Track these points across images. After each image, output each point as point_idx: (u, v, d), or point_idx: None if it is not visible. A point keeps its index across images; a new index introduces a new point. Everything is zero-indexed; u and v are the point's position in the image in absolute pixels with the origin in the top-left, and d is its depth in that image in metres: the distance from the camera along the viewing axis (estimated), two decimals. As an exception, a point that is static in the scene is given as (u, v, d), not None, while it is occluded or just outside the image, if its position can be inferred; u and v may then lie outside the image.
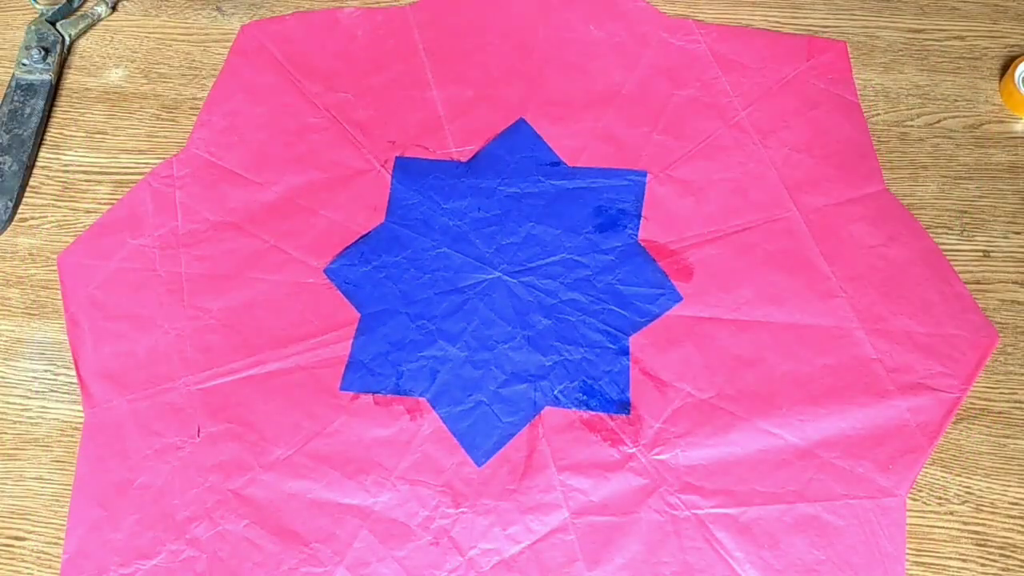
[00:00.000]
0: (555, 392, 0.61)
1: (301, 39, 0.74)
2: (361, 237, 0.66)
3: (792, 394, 0.60)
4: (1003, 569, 0.56)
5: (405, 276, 0.65)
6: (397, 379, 0.62)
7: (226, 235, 0.67)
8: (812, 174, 0.67)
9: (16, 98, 0.72)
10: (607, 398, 0.61)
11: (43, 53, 0.73)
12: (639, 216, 0.66)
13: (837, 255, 0.64)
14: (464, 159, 0.69)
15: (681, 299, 0.63)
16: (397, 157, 0.69)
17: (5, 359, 0.65)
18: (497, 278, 0.65)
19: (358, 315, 0.64)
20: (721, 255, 0.65)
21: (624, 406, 0.60)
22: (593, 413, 0.60)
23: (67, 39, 0.75)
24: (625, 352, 0.62)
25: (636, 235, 0.66)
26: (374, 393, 0.61)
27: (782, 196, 0.66)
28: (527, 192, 0.67)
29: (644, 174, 0.68)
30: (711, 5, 0.75)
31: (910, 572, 0.56)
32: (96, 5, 0.76)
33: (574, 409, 0.60)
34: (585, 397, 0.61)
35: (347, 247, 0.66)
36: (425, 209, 0.67)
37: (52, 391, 0.63)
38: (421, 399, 0.61)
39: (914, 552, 0.57)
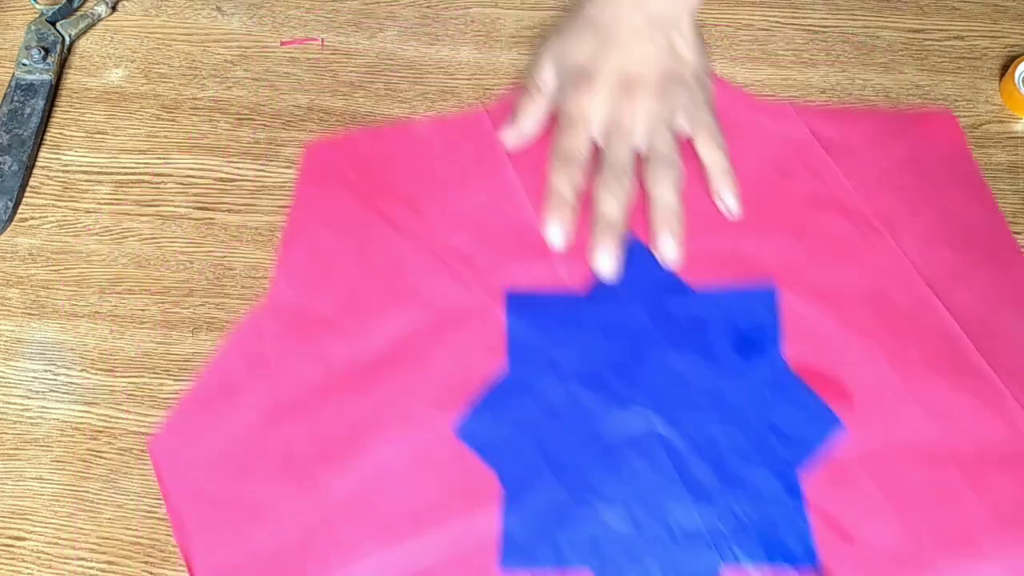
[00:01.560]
0: (731, 549, 0.53)
1: (374, 156, 0.66)
2: (485, 388, 0.58)
3: (997, 533, 0.52)
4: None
5: (543, 431, 0.57)
6: (557, 553, 0.54)
7: (332, 397, 0.58)
8: (953, 267, 0.60)
9: (16, 98, 0.72)
10: (789, 550, 0.53)
11: (43, 53, 0.73)
12: (779, 335, 0.59)
13: (1002, 359, 0.57)
14: (579, 286, 0.61)
15: (844, 428, 0.56)
16: (507, 290, 0.61)
17: (5, 359, 0.65)
18: (643, 423, 0.57)
19: (500, 482, 0.56)
20: (878, 374, 0.57)
21: (809, 557, 0.52)
22: (777, 570, 0.53)
23: (67, 39, 0.75)
24: (798, 495, 0.54)
25: (781, 358, 0.58)
26: (534, 571, 0.54)
27: (927, 297, 0.59)
28: (655, 319, 0.60)
29: (773, 285, 0.60)
30: (711, 5, 0.75)
31: None
32: (96, 5, 0.76)
33: (754, 565, 0.53)
34: (764, 551, 0.53)
35: (472, 401, 0.58)
36: (549, 349, 0.59)
37: (52, 391, 0.63)
38: (588, 574, 0.54)
39: None
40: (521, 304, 0.61)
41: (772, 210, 0.63)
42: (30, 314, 0.66)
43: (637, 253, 0.62)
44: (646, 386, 0.58)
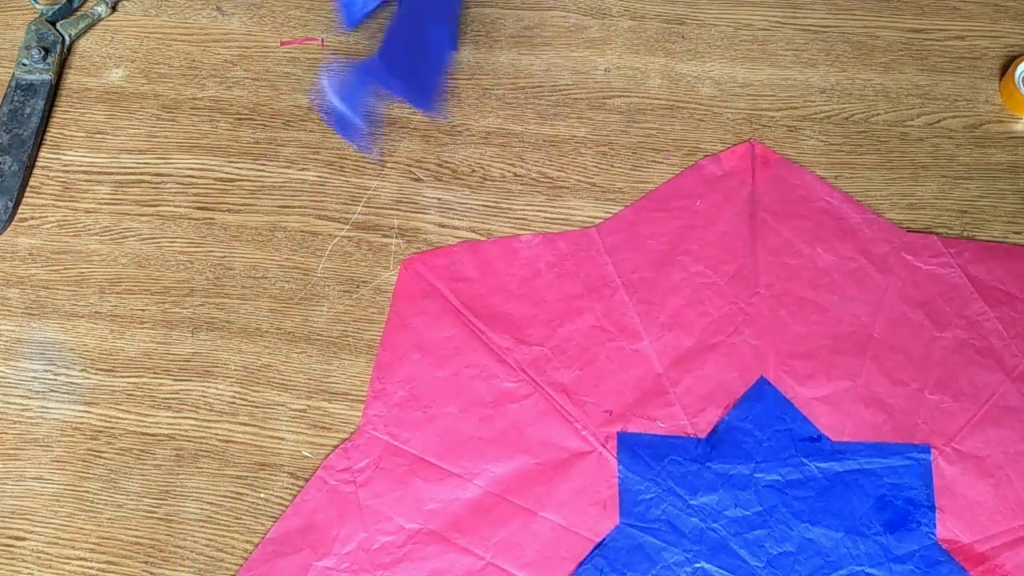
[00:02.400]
0: None
1: (476, 276, 0.62)
2: (595, 548, 0.55)
3: None
4: None
5: None
6: None
7: (429, 550, 0.55)
8: None
9: (16, 98, 0.72)
10: None
11: (43, 53, 0.73)
12: (932, 507, 0.55)
13: None
14: (701, 434, 0.57)
15: None
16: (619, 433, 0.57)
17: (5, 359, 0.65)
18: None
19: None
20: None
21: None
22: None
23: (67, 39, 0.75)
24: None
25: (934, 534, 0.54)
26: None
27: None
28: (791, 480, 0.56)
29: (927, 449, 0.56)
30: (711, 5, 0.75)
31: None
32: (96, 5, 0.76)
33: None
34: None
35: (581, 564, 0.54)
36: (667, 506, 0.56)
37: (52, 391, 0.63)
38: None
39: None
40: (633, 448, 0.57)
41: (923, 361, 0.59)
42: (30, 314, 0.66)
43: (767, 396, 0.58)
44: (781, 563, 0.54)
